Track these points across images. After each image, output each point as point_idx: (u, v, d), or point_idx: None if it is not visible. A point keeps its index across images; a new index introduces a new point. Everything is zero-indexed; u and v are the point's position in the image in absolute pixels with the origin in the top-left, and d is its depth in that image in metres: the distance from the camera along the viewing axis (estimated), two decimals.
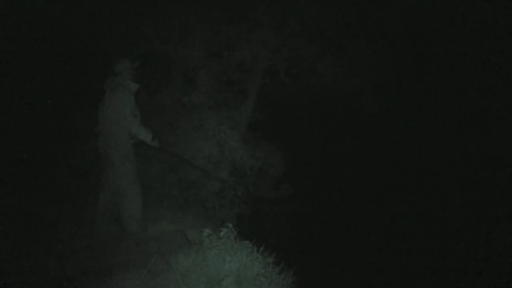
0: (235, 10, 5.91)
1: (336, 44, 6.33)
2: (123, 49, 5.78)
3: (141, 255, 3.36)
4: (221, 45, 6.15)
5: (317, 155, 8.37)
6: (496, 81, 8.27)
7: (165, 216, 4.47)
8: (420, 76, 8.26)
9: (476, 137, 8.46)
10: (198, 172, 5.56)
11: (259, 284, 2.75)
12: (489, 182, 7.86)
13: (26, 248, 3.45)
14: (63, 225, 3.98)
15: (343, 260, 6.04)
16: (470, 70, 8.18)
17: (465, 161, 8.41)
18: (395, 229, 6.95)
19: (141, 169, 4.79)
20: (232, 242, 2.99)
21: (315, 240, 6.51)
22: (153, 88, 6.19)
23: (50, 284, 2.94)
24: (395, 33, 6.56)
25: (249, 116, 6.55)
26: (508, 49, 7.73)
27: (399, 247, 6.47)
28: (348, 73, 6.49)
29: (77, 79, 5.59)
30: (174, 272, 2.86)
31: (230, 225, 3.11)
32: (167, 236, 3.89)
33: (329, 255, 6.11)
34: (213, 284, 2.69)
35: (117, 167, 3.63)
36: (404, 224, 7.10)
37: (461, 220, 7.18)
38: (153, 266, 2.98)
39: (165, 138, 5.69)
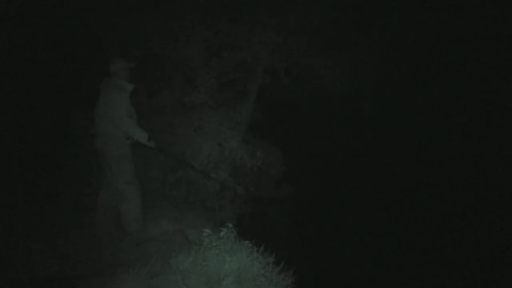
0: (235, 10, 5.91)
1: (336, 44, 6.33)
2: (123, 49, 5.78)
3: (141, 255, 3.36)
4: (221, 45, 6.14)
5: (317, 155, 8.36)
6: (497, 81, 8.27)
7: (165, 216, 4.47)
8: (420, 76, 8.26)
9: (476, 136, 8.46)
10: (198, 172, 5.56)
11: (259, 284, 2.75)
12: (489, 181, 7.87)
13: (26, 248, 3.45)
14: (63, 226, 3.99)
15: (343, 260, 6.04)
16: (471, 70, 8.18)
17: (466, 161, 8.42)
18: (395, 228, 6.96)
19: (140, 169, 4.79)
20: (232, 242, 2.99)
21: (315, 240, 6.51)
22: (153, 88, 6.18)
23: (50, 284, 2.94)
24: (395, 33, 6.56)
25: (249, 116, 6.55)
26: (509, 49, 7.73)
27: (399, 247, 6.48)
28: (348, 73, 6.49)
29: (77, 79, 5.59)
30: (174, 272, 2.85)
31: (230, 225, 3.11)
32: (167, 236, 3.89)
33: (329, 255, 6.11)
34: (213, 284, 2.69)
35: (114, 167, 3.63)
36: (404, 223, 7.11)
37: (461, 220, 7.19)
38: (153, 266, 2.98)
39: (165, 138, 5.69)
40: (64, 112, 5.55)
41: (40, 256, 3.31)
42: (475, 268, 5.85)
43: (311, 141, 8.31)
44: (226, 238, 3.01)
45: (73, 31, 5.64)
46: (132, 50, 5.78)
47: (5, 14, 5.21)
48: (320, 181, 7.86)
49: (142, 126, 3.72)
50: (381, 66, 6.56)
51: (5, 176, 4.70)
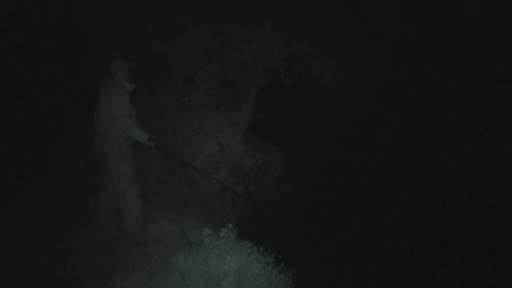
0: (235, 10, 5.91)
1: (336, 44, 6.33)
2: (123, 49, 5.78)
3: (141, 255, 3.36)
4: (221, 45, 6.14)
5: (317, 155, 8.36)
6: (496, 81, 8.27)
7: (165, 216, 4.46)
8: (420, 76, 8.26)
9: (476, 137, 8.46)
10: (198, 172, 5.56)
11: (259, 284, 2.75)
12: (489, 182, 7.87)
13: (26, 248, 3.45)
14: (63, 225, 3.98)
15: (343, 260, 6.03)
16: (471, 70, 8.18)
17: (465, 161, 8.42)
18: (396, 228, 6.95)
19: (141, 169, 4.79)
20: (232, 242, 2.99)
21: (315, 240, 6.50)
22: (153, 88, 6.19)
23: (50, 284, 2.94)
24: (395, 33, 6.56)
25: (249, 116, 6.55)
26: (508, 49, 7.73)
27: (400, 247, 6.47)
28: (348, 73, 6.49)
29: (77, 79, 5.59)
30: (174, 272, 2.85)
31: (230, 225, 3.11)
32: (167, 236, 3.89)
33: (329, 255, 6.11)
34: (213, 284, 2.69)
35: (114, 167, 3.63)
36: (405, 223, 7.11)
37: (461, 220, 7.19)
38: (153, 266, 2.98)
39: (165, 138, 5.69)
40: (64, 112, 5.55)
41: (40, 256, 3.31)
42: (475, 269, 5.85)
43: (311, 141, 8.30)
44: (226, 238, 3.00)
45: (73, 31, 5.64)
46: (132, 50, 5.79)
47: (5, 14, 5.21)
48: (320, 181, 7.86)
49: (142, 126, 3.72)
50: (381, 66, 6.56)
51: (5, 176, 4.70)
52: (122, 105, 3.57)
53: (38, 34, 5.51)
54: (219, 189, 5.91)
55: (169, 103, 6.18)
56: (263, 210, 6.62)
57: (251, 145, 6.41)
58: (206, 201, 5.82)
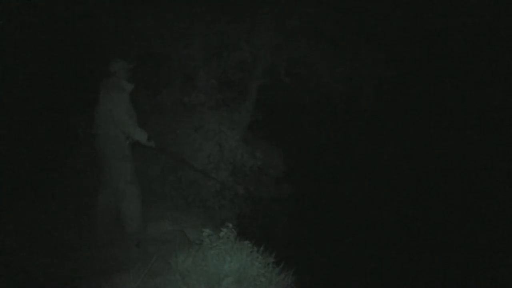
0: (235, 10, 5.91)
1: (336, 44, 6.33)
2: (123, 49, 5.78)
3: (141, 255, 3.36)
4: (221, 45, 6.15)
5: (317, 155, 8.37)
6: (496, 81, 8.27)
7: (165, 216, 4.46)
8: (420, 76, 8.26)
9: (476, 136, 8.46)
10: (198, 172, 5.56)
11: (259, 284, 2.75)
12: (489, 181, 7.87)
13: (26, 248, 3.45)
14: (63, 225, 3.98)
15: (343, 260, 6.04)
16: (470, 69, 8.18)
17: (465, 161, 8.42)
18: (396, 228, 6.96)
19: (141, 169, 4.79)
20: (232, 242, 2.99)
21: (315, 240, 6.51)
22: (153, 88, 6.19)
23: (50, 284, 2.94)
24: (395, 32, 6.56)
25: (249, 116, 6.55)
26: (508, 49, 7.73)
27: (400, 246, 6.48)
28: (348, 73, 6.49)
29: (77, 79, 5.59)
30: (174, 272, 2.85)
31: (230, 225, 3.11)
32: (167, 236, 3.89)
33: (329, 255, 6.11)
34: (213, 284, 2.69)
35: (114, 167, 3.63)
36: (404, 223, 7.11)
37: (461, 220, 7.19)
38: (153, 266, 2.98)
39: (165, 138, 5.69)
40: (64, 112, 5.55)
41: (40, 256, 3.31)
42: (475, 269, 5.85)
43: (311, 141, 8.31)
44: (226, 238, 3.00)
45: (73, 31, 5.64)
46: (132, 50, 5.79)
47: (4, 13, 5.21)
48: (320, 181, 7.86)
49: (142, 126, 3.72)
50: (381, 66, 6.56)
51: (5, 176, 4.70)
52: (122, 105, 3.57)
53: (37, 34, 5.51)
54: (219, 189, 5.91)
55: (169, 103, 6.18)
56: (263, 210, 6.62)
57: (251, 145, 6.41)
58: (206, 201, 5.82)
